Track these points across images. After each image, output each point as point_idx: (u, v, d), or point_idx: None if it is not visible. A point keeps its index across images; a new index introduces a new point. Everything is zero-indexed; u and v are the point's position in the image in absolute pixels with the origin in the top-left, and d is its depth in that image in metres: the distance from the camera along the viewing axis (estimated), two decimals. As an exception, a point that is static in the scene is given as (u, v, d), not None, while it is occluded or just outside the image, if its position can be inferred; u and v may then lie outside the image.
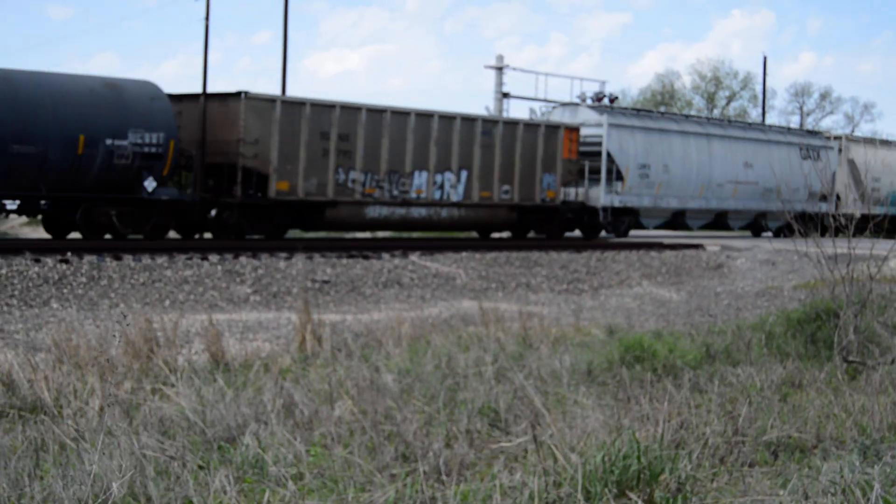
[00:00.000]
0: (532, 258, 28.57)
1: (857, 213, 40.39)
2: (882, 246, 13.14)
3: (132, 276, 20.95)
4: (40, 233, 33.12)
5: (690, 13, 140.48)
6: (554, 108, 40.47)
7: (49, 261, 20.83)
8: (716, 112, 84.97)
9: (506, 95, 43.92)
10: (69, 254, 21.75)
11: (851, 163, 48.71)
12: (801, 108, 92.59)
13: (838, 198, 47.01)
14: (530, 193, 35.39)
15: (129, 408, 8.39)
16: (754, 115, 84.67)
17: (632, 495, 6.09)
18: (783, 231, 40.61)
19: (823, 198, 41.23)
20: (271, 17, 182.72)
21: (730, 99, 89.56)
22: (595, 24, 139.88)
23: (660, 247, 33.92)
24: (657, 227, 42.46)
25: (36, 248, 22.36)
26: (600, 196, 37.69)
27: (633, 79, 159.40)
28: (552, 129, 36.18)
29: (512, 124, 35.38)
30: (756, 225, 45.33)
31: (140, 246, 24.93)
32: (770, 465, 7.21)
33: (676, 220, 41.76)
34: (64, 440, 7.17)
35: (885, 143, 54.01)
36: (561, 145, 35.95)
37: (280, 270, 23.05)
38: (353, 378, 9.29)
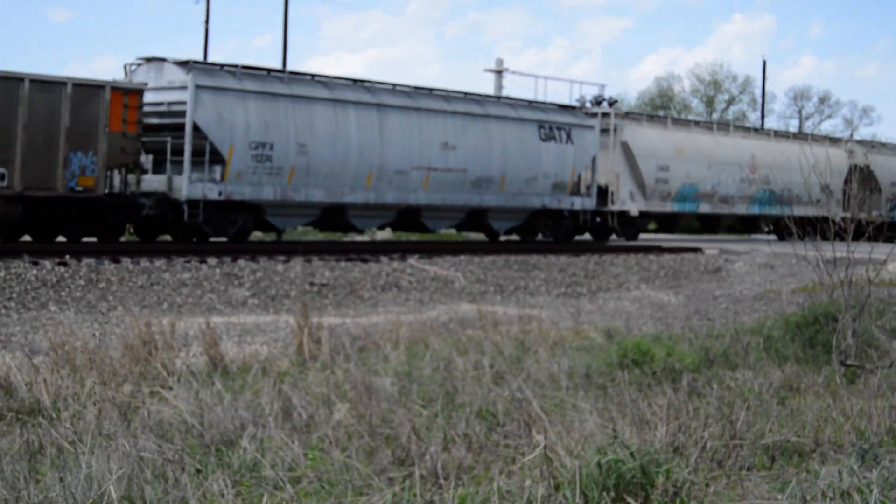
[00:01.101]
0: (531, 262, 28.57)
1: (635, 211, 37.99)
2: (881, 250, 13.13)
3: (130, 278, 20.95)
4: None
5: (692, 17, 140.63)
6: (139, 65, 29.04)
7: (47, 263, 20.82)
8: (715, 116, 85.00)
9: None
10: (67, 257, 21.74)
11: (626, 147, 39.66)
12: (799, 112, 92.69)
13: (605, 191, 38.85)
14: (47, 179, 24.84)
15: (127, 411, 8.38)
16: (753, 118, 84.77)
17: (629, 499, 6.09)
18: (521, 232, 37.15)
19: (578, 191, 37.24)
20: (272, 21, 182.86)
21: (729, 103, 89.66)
22: (596, 28, 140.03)
23: (658, 250, 33.93)
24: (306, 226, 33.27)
25: (34, 251, 22.34)
26: (183, 186, 27.05)
27: (633, 83, 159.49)
28: (89, 90, 25.52)
29: (14, 80, 24.40)
30: (469, 223, 35.38)
31: (138, 249, 24.91)
32: (768, 469, 7.21)
33: (334, 218, 31.34)
34: (61, 443, 7.16)
35: (680, 122, 47.06)
36: (107, 113, 25.52)
37: (278, 273, 23.04)
38: (350, 381, 9.28)
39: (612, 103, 42.32)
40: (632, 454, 6.24)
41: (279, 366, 10.72)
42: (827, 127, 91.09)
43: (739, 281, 28.70)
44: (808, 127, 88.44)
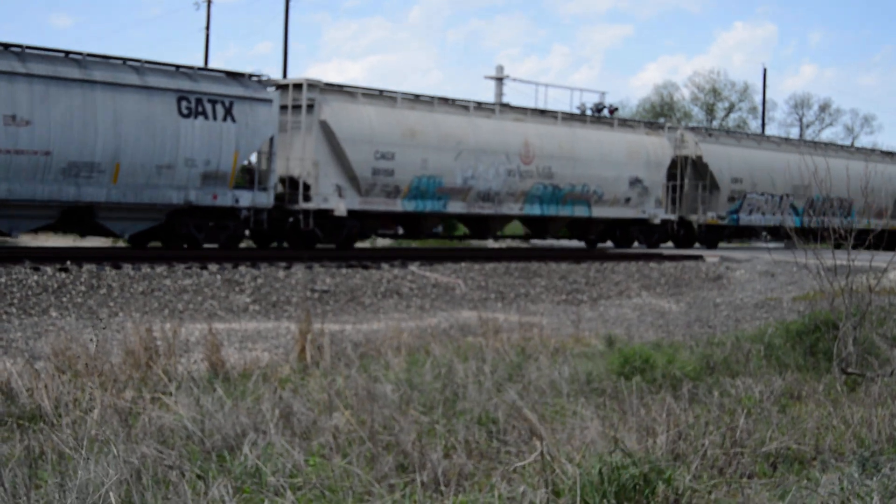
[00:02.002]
0: (531, 269, 28.57)
1: (341, 210, 30.70)
2: (882, 258, 13.14)
3: (131, 284, 20.95)
4: (40, 241, 33.13)
5: (693, 25, 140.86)
6: None
7: (48, 269, 20.83)
8: (714, 123, 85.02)
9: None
10: (68, 262, 21.74)
11: (327, 128, 30.65)
12: (800, 120, 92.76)
13: (291, 184, 30.60)
14: None
15: (128, 416, 8.39)
16: (754, 126, 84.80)
17: (630, 506, 6.09)
18: (161, 236, 28.62)
19: (249, 183, 29.23)
20: (273, 28, 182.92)
21: (729, 110, 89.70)
22: (597, 35, 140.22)
23: (659, 258, 33.92)
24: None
25: (35, 257, 22.36)
26: None
27: (634, 90, 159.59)
28: None
29: None
30: (70, 224, 27.00)
31: (139, 255, 24.91)
32: (769, 476, 7.21)
33: None
34: (62, 449, 7.17)
35: (417, 100, 34.23)
36: None
37: (279, 280, 23.04)
38: (352, 388, 9.28)
39: (612, 111, 42.37)
40: (633, 461, 6.24)
41: (280, 372, 10.73)
42: (828, 135, 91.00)
43: (740, 289, 28.69)
44: (810, 135, 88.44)
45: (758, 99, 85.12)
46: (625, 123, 41.38)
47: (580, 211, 37.85)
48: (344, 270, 25.00)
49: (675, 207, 42.16)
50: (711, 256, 35.43)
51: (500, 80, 46.74)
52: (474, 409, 8.65)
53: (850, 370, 11.06)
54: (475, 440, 7.73)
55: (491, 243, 40.95)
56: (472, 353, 11.90)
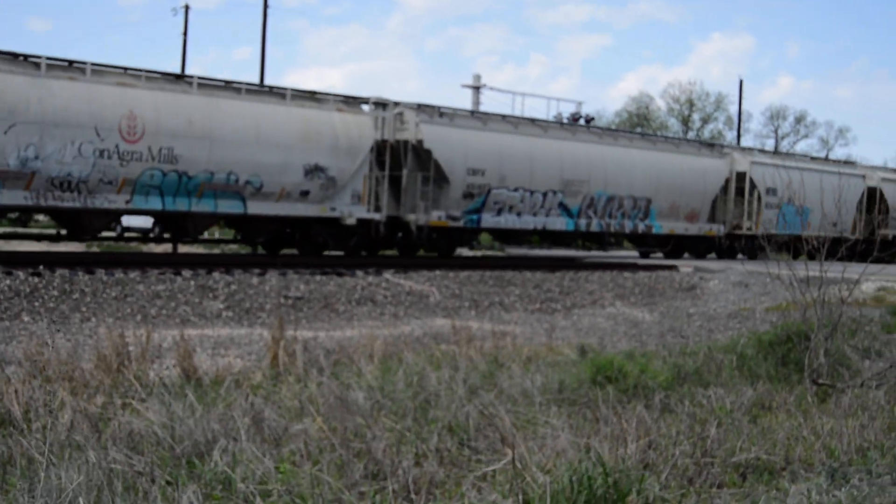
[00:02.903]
0: (506, 277, 28.60)
1: None
2: (854, 269, 13.20)
3: (104, 290, 20.88)
4: (12, 245, 32.94)
5: (671, 36, 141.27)
6: None
7: (21, 274, 20.74)
8: (691, 135, 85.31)
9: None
10: (41, 267, 21.66)
11: None
12: (776, 132, 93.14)
13: None
14: None
15: (99, 422, 8.35)
16: (730, 137, 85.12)
17: (600, 515, 6.10)
18: None
19: None
20: (252, 34, 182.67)
21: (704, 121, 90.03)
22: (575, 45, 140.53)
23: (633, 267, 34.01)
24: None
25: (7, 261, 22.27)
26: None
27: (612, 100, 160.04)
28: None
29: None
30: None
31: (113, 260, 24.85)
32: (738, 486, 7.23)
33: None
34: (31, 454, 7.12)
35: None
36: None
37: (253, 286, 23.00)
38: (324, 395, 9.26)
39: (588, 121, 42.46)
40: (604, 470, 6.25)
41: (252, 379, 10.70)
42: (803, 147, 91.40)
43: (714, 299, 28.79)
44: (785, 147, 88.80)
45: (734, 110, 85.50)
46: (303, 96, 31.40)
47: (229, 206, 28.86)
48: (318, 277, 24.98)
49: (384, 204, 32.95)
50: (685, 266, 35.54)
51: (476, 88, 46.79)
52: (446, 417, 8.64)
53: (821, 381, 11.11)
54: (446, 448, 7.73)
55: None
56: (445, 361, 11.90)
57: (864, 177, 51.39)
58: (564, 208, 37.47)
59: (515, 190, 35.59)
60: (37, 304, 19.47)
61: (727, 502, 6.69)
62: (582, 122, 41.73)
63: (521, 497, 6.20)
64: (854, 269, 13.26)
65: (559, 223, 37.25)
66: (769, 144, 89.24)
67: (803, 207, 39.07)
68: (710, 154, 45.66)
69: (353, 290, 24.44)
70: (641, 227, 40.68)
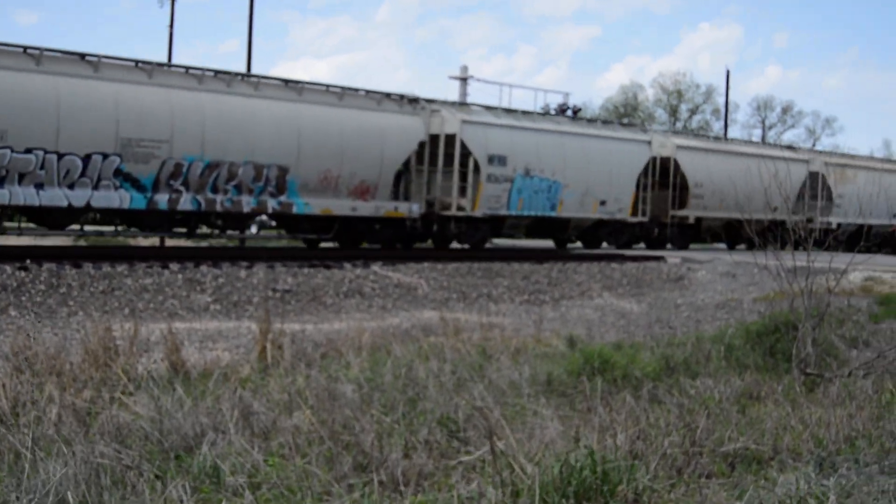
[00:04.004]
0: (494, 269, 28.60)
1: None
2: (842, 259, 13.23)
3: (92, 283, 20.83)
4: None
5: (659, 26, 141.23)
6: None
7: (7, 268, 20.67)
8: (678, 125, 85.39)
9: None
10: (28, 261, 21.60)
11: None
12: (762, 122, 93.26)
13: None
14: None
15: (87, 416, 8.34)
16: (717, 128, 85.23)
17: (589, 506, 6.10)
18: None
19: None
20: (239, 26, 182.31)
21: (692, 112, 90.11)
22: (564, 36, 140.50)
23: (621, 258, 34.04)
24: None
25: (-6, 255, 22.20)
26: None
27: (599, 91, 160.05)
28: None
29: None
30: None
31: (100, 253, 24.77)
32: (727, 476, 7.23)
33: None
34: (19, 449, 7.11)
35: None
36: None
37: (241, 279, 22.97)
38: (312, 388, 9.25)
39: (575, 112, 42.49)
40: (593, 461, 6.25)
41: (241, 372, 10.69)
42: (790, 137, 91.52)
43: (702, 289, 28.84)
44: (771, 137, 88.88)
45: (721, 101, 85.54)
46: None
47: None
48: (306, 270, 24.95)
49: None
50: (673, 257, 35.59)
51: (464, 80, 46.79)
52: (435, 409, 8.64)
53: (808, 371, 11.13)
54: (435, 440, 7.72)
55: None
56: (434, 353, 11.89)
57: (807, 161, 48.99)
58: (128, 178, 26.77)
59: (28, 152, 24.99)
60: (24, 298, 19.42)
61: (716, 492, 6.69)
62: (569, 112, 41.73)
63: (510, 488, 6.19)
64: (842, 259, 13.28)
65: (116, 199, 26.47)
66: (756, 135, 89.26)
67: (554, 182, 37.06)
68: (397, 109, 33.26)
69: (341, 282, 24.42)
70: (273, 205, 29.61)
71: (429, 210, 34.19)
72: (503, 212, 35.51)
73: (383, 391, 9.44)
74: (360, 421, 7.91)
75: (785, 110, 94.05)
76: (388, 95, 33.35)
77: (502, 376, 10.42)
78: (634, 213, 40.84)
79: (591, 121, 42.25)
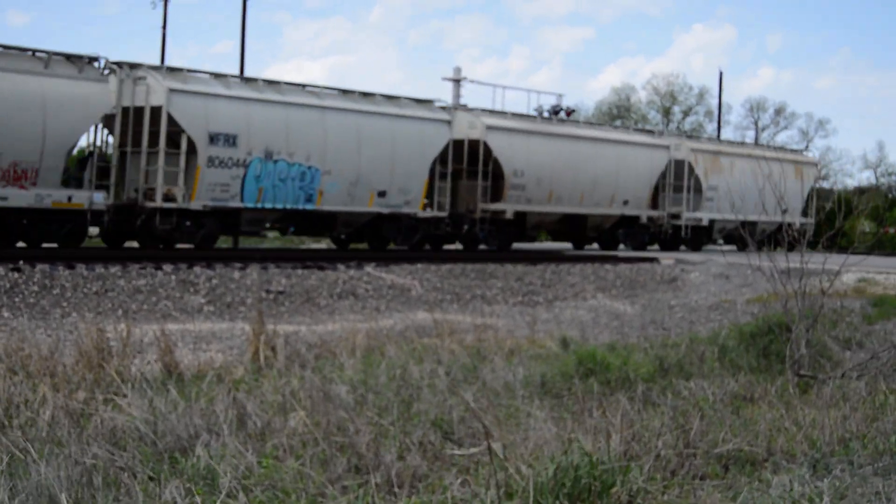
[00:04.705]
0: (487, 270, 28.60)
1: None
2: (835, 260, 13.24)
3: (85, 285, 20.80)
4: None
5: (652, 27, 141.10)
6: None
7: (0, 269, 20.64)
8: (672, 126, 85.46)
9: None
10: (21, 262, 21.56)
11: None
12: (755, 124, 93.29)
13: None
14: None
15: (80, 418, 8.33)
16: (710, 129, 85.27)
17: (583, 508, 6.10)
18: None
19: None
20: (232, 27, 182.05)
21: (686, 114, 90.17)
22: (557, 37, 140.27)
23: (615, 260, 34.06)
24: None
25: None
26: None
27: (592, 93, 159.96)
28: None
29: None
30: None
31: (93, 255, 24.74)
32: (721, 478, 7.24)
33: None
34: (12, 450, 7.09)
35: None
36: None
37: (234, 280, 22.95)
38: (306, 389, 9.25)
39: (569, 113, 42.46)
40: (588, 462, 6.25)
41: (234, 373, 10.68)
42: (783, 139, 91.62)
43: (695, 291, 28.86)
44: (765, 139, 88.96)
45: (714, 103, 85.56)
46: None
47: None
48: (299, 271, 24.94)
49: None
50: (666, 259, 35.62)
51: (457, 81, 46.72)
52: (429, 410, 8.64)
53: (802, 372, 11.15)
54: (430, 441, 7.72)
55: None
56: (428, 354, 11.90)
57: (668, 147, 43.88)
58: None
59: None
60: (17, 299, 19.40)
61: (710, 493, 6.70)
62: (562, 114, 41.67)
63: (504, 490, 6.19)
64: (835, 260, 13.28)
65: None
66: (749, 136, 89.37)
67: (310, 168, 30.49)
68: (73, 74, 25.95)
69: (335, 283, 24.41)
70: None
71: (130, 201, 27.89)
72: (235, 203, 29.07)
73: (377, 393, 9.43)
74: (354, 422, 7.90)
75: (778, 112, 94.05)
76: (53, 55, 25.79)
77: (496, 378, 10.43)
78: (429, 207, 34.44)
79: (366, 94, 32.96)
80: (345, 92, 32.50)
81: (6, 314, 18.33)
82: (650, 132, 47.15)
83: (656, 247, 43.59)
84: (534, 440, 7.53)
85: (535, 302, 25.62)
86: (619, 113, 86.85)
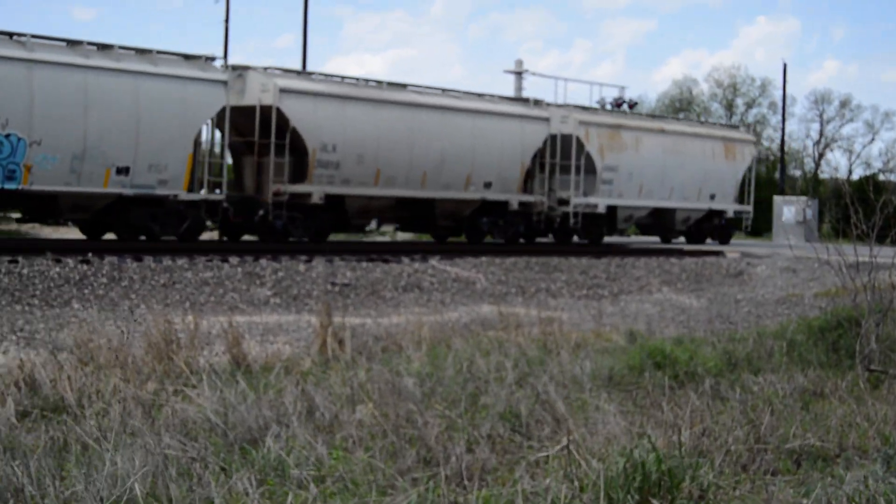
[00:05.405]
0: (552, 263, 28.55)
1: None
2: None
3: (152, 277, 21.00)
4: (60, 233, 33.25)
5: (715, 20, 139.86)
6: None
7: (70, 261, 20.89)
8: (734, 119, 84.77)
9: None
10: (90, 254, 21.81)
11: None
12: (820, 116, 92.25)
13: None
14: None
15: (151, 408, 8.41)
16: (774, 122, 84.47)
17: (654, 501, 6.07)
18: None
19: None
20: (294, 21, 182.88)
21: (749, 106, 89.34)
22: (619, 29, 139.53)
23: (680, 253, 33.87)
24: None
25: (57, 249, 22.43)
26: None
27: (655, 85, 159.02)
28: None
29: None
30: None
31: (160, 247, 24.98)
32: (793, 473, 7.18)
33: None
34: (86, 440, 7.18)
35: None
36: None
37: (300, 273, 23.07)
38: (374, 381, 9.28)
39: (631, 105, 42.21)
40: (658, 457, 6.22)
41: (302, 365, 10.74)
42: (848, 131, 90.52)
43: (762, 285, 28.62)
44: (830, 131, 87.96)
45: (778, 95, 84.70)
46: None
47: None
48: (364, 264, 25.02)
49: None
50: (732, 252, 35.35)
51: (519, 74, 46.54)
52: (497, 403, 8.63)
53: (872, 367, 11.02)
54: (498, 434, 7.73)
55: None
56: (493, 347, 11.89)
57: (548, 119, 36.51)
58: None
59: None
60: (86, 291, 19.62)
61: (782, 489, 6.64)
62: (625, 107, 41.43)
63: (575, 483, 6.18)
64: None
65: None
66: (815, 129, 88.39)
67: (10, 136, 24.18)
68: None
69: (400, 276, 24.47)
70: None
71: None
72: None
73: (445, 385, 9.44)
74: (422, 415, 7.92)
75: (843, 104, 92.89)
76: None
77: (563, 371, 10.40)
78: (197, 187, 28.10)
79: (104, 46, 26.34)
80: (71, 43, 25.74)
81: (76, 305, 18.54)
82: (524, 101, 37.38)
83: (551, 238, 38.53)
84: (603, 434, 7.51)
85: (600, 295, 25.52)
86: (681, 106, 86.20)
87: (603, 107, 40.22)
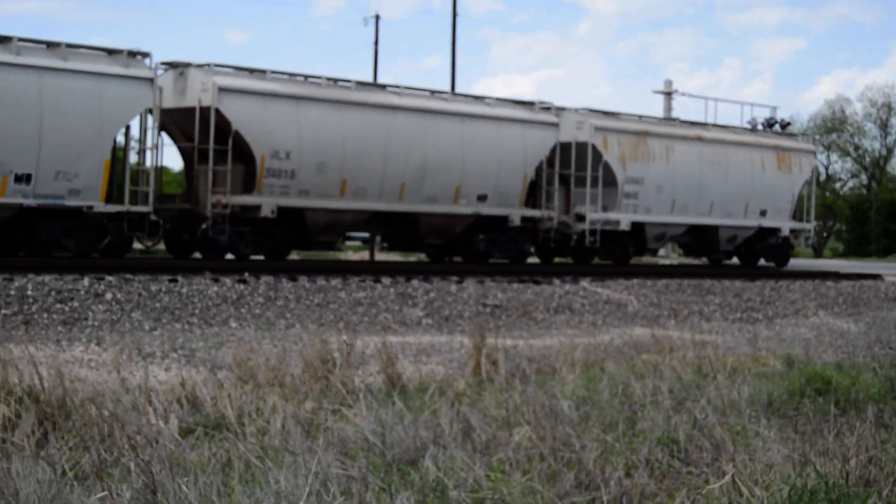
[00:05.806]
0: (704, 286, 28.21)
1: None
2: None
3: (307, 297, 21.30)
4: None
5: (867, 38, 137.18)
6: None
7: (228, 281, 21.31)
8: (889, 140, 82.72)
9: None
10: (246, 274, 22.22)
11: None
12: None
13: None
14: None
15: (310, 427, 8.52)
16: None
17: (820, 532, 5.95)
18: None
19: None
20: (442, 43, 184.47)
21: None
22: (769, 49, 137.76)
23: (836, 276, 33.18)
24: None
25: (215, 269, 22.88)
26: None
27: (807, 104, 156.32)
28: None
29: None
30: None
31: (314, 267, 25.32)
32: (967, 506, 6.96)
33: None
34: (248, 457, 7.30)
35: None
36: None
37: (451, 294, 23.17)
38: (529, 404, 9.27)
39: (784, 126, 41.38)
40: (826, 487, 6.10)
41: (456, 386, 10.77)
42: None
43: (923, 309, 27.89)
44: None
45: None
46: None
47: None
48: (515, 285, 25.03)
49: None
50: (891, 276, 34.48)
51: (668, 94, 46.26)
52: (654, 428, 8.55)
53: None
54: (656, 459, 7.65)
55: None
56: (648, 370, 11.79)
57: (557, 125, 32.08)
58: None
59: None
60: (243, 310, 19.98)
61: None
62: (777, 127, 40.59)
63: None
64: None
65: None
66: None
67: None
68: None
69: (551, 298, 24.41)
70: None
71: None
72: None
73: (601, 409, 9.39)
74: (580, 438, 7.88)
75: None
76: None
77: (720, 396, 10.25)
78: (117, 199, 24.59)
79: (2, 39, 22.90)
80: None
81: (233, 324, 18.90)
82: (528, 104, 32.44)
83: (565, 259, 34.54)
84: (763, 461, 7.38)
85: (755, 319, 25.13)
86: (832, 126, 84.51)
87: (754, 128, 39.26)
